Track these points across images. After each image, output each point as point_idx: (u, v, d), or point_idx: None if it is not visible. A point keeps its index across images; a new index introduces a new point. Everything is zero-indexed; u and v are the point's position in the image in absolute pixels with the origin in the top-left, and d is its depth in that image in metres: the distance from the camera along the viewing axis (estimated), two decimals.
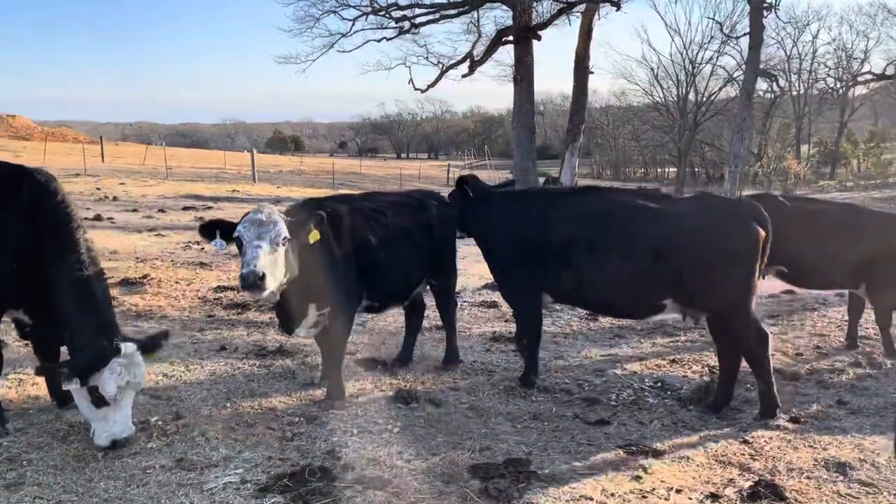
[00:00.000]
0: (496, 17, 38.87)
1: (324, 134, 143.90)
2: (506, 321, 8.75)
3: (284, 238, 4.92)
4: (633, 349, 7.80)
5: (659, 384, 6.54)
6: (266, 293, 4.80)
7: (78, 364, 4.22)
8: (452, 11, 39.86)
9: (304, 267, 5.23)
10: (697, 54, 55.23)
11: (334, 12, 38.85)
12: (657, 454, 4.93)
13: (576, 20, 38.65)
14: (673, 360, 7.33)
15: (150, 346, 4.56)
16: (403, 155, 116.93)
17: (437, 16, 39.54)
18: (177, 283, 9.84)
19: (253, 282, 4.63)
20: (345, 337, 5.63)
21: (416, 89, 43.31)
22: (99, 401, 4.20)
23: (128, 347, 4.27)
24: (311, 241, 5.10)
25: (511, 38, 38.80)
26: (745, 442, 5.23)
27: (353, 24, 39.50)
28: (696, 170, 61.33)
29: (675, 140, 55.42)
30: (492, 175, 46.65)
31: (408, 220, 6.15)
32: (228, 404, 5.41)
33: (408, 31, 39.77)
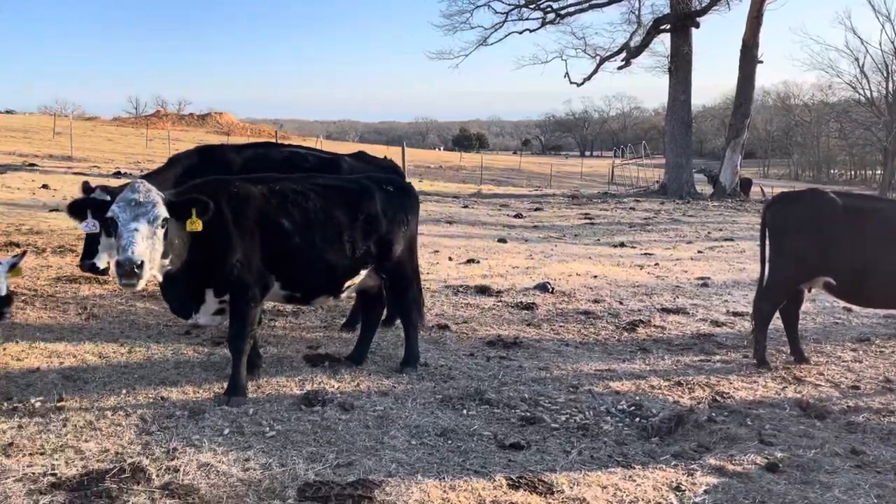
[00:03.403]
0: (653, 5, 36.87)
1: (510, 132, 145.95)
2: (509, 323, 7.96)
3: (164, 219, 4.64)
4: (642, 366, 6.75)
5: (633, 408, 5.54)
6: (143, 282, 4.56)
7: None
8: (602, 0, 38.26)
9: (196, 249, 4.93)
10: None
11: (487, 5, 39.06)
12: (547, 492, 4.08)
13: (737, 4, 35.70)
14: (677, 383, 6.22)
15: None
16: (588, 153, 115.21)
17: (585, 5, 38.26)
18: None
19: (130, 270, 4.37)
20: (245, 328, 5.24)
21: (571, 83, 42.52)
22: None
23: None
24: (190, 229, 4.78)
25: (668, 26, 36.65)
26: (677, 490, 4.22)
27: (507, 17, 39.51)
28: None
29: (883, 139, 49.50)
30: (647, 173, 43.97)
31: (339, 206, 5.63)
32: (125, 391, 5.23)
33: (552, 22, 38.82)
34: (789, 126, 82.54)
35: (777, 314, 6.96)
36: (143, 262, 4.43)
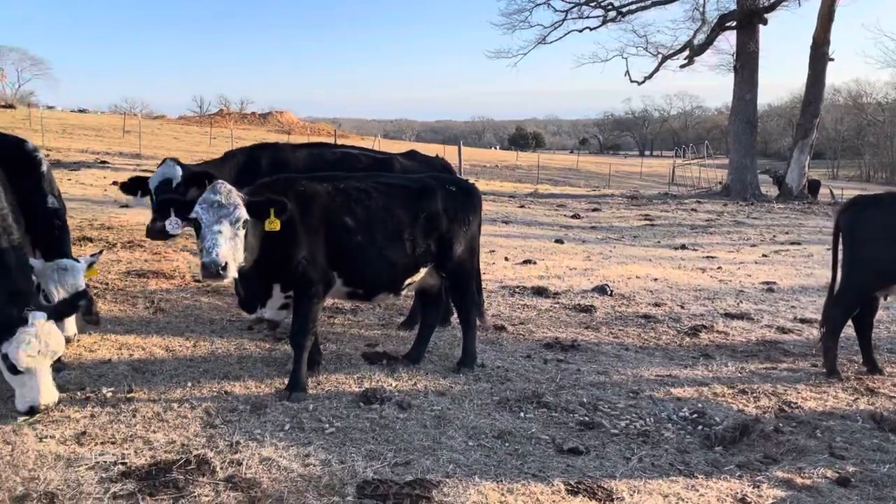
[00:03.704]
0: (719, 2, 36.04)
1: (567, 131, 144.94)
2: (567, 326, 7.88)
3: (245, 221, 4.77)
4: (704, 372, 6.58)
5: (696, 415, 5.41)
6: (227, 280, 4.72)
7: None
8: None
9: (267, 246, 5.04)
10: None
11: (547, 4, 38.74)
12: (606, 499, 4.02)
13: (808, 0, 34.49)
14: (742, 391, 6.05)
15: (63, 311, 4.63)
16: (647, 152, 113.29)
17: (647, 2, 37.50)
18: None
19: (215, 271, 4.55)
20: (308, 324, 5.32)
21: (632, 81, 41.86)
22: (12, 368, 4.35)
23: (36, 317, 4.36)
24: (268, 229, 4.89)
25: (734, 23, 35.68)
26: (742, 502, 4.10)
27: (567, 15, 39.09)
28: None
29: None
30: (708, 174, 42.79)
31: (401, 205, 5.67)
32: (191, 384, 5.37)
33: (612, 20, 38.21)
34: (861, 126, 79.48)
35: (849, 322, 6.69)
36: (226, 263, 4.60)
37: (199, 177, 6.49)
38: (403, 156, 8.07)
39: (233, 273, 4.70)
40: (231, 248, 4.68)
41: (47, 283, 5.13)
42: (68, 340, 5.02)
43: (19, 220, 4.84)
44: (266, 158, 7.27)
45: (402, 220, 5.63)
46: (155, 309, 7.36)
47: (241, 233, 4.76)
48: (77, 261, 5.35)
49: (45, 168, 5.77)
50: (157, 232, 6.11)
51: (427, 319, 6.39)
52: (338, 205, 5.40)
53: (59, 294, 5.09)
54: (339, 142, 34.29)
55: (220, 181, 4.92)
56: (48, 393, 4.46)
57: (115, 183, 6.57)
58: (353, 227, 5.41)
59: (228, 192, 4.79)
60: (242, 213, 4.74)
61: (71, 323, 5.16)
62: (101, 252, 5.87)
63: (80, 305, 4.81)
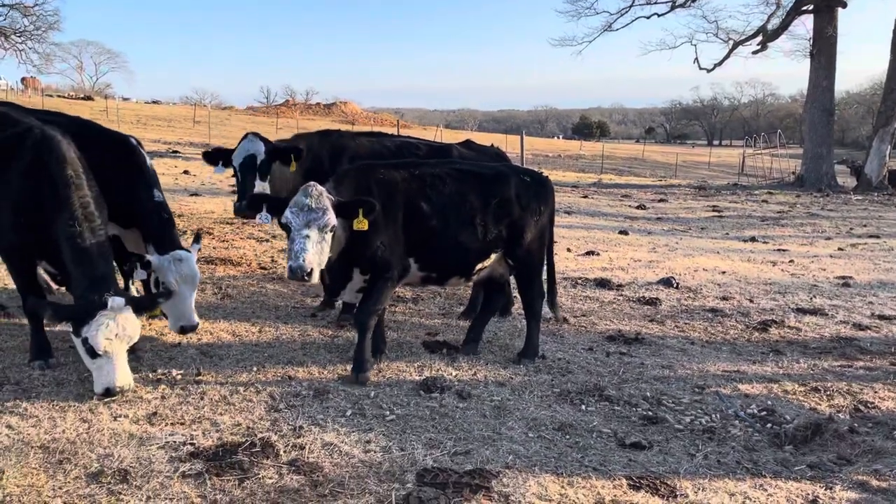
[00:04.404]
0: None
1: (633, 119, 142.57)
2: (630, 318, 7.73)
3: (333, 226, 4.89)
4: (774, 368, 6.37)
5: (764, 413, 5.23)
6: (312, 282, 4.85)
7: (61, 312, 4.57)
8: None
9: (352, 236, 5.14)
10: None
11: None
12: (669, 495, 3.93)
13: None
14: (814, 389, 5.83)
15: (143, 304, 4.80)
16: (716, 142, 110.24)
17: None
18: None
19: (300, 276, 4.72)
20: (376, 305, 5.39)
21: (701, 69, 40.73)
22: (91, 351, 4.53)
23: (115, 302, 4.53)
24: (356, 228, 5.00)
25: (811, 7, 34.22)
26: (813, 503, 3.95)
27: (634, 1, 38.24)
28: None
29: None
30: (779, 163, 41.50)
31: (473, 191, 5.69)
32: (256, 368, 5.50)
33: (682, 5, 37.13)
34: None
35: None
36: (311, 269, 4.75)
37: (283, 152, 6.67)
38: (460, 145, 8.12)
39: (316, 277, 4.83)
40: (317, 253, 4.83)
41: (166, 276, 5.35)
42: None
43: (103, 207, 5.02)
44: (328, 144, 7.39)
45: (474, 205, 5.65)
46: (222, 295, 7.56)
47: (329, 236, 4.92)
48: (188, 251, 5.56)
49: (149, 163, 5.99)
50: (244, 212, 6.32)
51: (488, 306, 6.39)
52: (414, 191, 5.46)
53: (178, 285, 5.32)
54: (402, 132, 34.52)
55: (312, 184, 4.99)
56: (124, 376, 4.63)
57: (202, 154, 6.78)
58: (428, 213, 5.46)
59: (319, 196, 4.89)
60: (331, 219, 4.87)
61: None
62: (200, 238, 6.12)
63: (159, 303, 4.98)
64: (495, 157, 7.99)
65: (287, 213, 4.87)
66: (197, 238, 6.09)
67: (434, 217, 5.51)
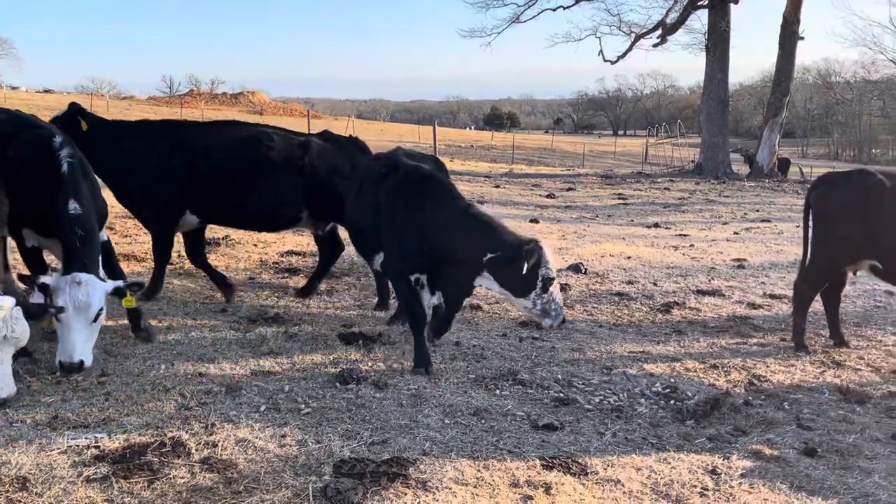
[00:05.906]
0: None
1: (542, 110, 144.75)
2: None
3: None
4: (677, 348, 6.68)
5: (668, 390, 5.49)
6: None
7: None
8: None
9: None
10: None
11: None
12: (581, 473, 4.07)
13: None
14: (713, 366, 6.15)
15: (33, 311, 4.51)
16: (621, 132, 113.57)
17: None
18: (255, 245, 10.10)
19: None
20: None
21: (605, 61, 41.85)
22: None
23: (4, 301, 4.29)
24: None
25: (705, 2, 35.81)
26: (713, 473, 4.18)
27: None
28: None
29: None
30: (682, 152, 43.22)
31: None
32: (164, 367, 5.33)
33: None
34: (830, 104, 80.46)
35: (817, 297, 6.82)
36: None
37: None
38: (318, 136, 7.69)
39: None
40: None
41: (56, 298, 4.94)
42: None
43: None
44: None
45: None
46: None
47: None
48: (102, 278, 5.29)
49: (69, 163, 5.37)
50: None
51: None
52: None
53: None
54: (312, 122, 33.88)
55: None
56: (8, 385, 4.38)
57: None
58: None
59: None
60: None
61: None
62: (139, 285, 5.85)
63: (51, 313, 4.70)
64: (353, 146, 7.66)
65: None
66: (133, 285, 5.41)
67: None
